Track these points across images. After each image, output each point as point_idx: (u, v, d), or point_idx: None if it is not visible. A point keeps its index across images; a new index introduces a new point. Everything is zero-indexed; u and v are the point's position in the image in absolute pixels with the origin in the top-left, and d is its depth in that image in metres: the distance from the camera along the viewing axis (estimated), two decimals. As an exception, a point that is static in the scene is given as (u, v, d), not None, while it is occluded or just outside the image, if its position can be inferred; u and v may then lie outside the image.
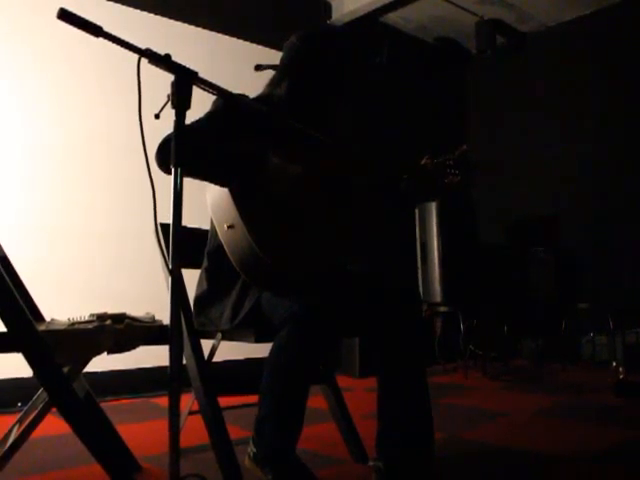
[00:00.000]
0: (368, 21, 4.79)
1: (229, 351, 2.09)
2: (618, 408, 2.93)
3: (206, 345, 1.76)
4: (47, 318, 1.72)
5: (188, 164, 1.26)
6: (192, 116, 1.38)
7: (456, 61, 5.69)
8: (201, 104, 1.51)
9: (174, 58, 1.23)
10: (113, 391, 3.16)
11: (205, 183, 1.61)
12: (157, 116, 1.19)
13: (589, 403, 3.10)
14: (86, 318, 1.54)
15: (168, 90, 1.22)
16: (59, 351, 1.39)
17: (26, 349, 1.31)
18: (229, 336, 1.74)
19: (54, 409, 1.42)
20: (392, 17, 5.02)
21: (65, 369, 1.51)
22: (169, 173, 1.23)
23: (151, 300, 1.96)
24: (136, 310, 1.75)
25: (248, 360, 3.22)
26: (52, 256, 3.15)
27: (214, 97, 1.59)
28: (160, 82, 1.35)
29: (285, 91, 1.75)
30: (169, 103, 1.22)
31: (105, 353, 1.53)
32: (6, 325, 1.31)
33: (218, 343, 1.77)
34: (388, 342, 1.69)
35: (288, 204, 1.60)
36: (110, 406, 2.89)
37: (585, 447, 2.18)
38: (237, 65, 3.38)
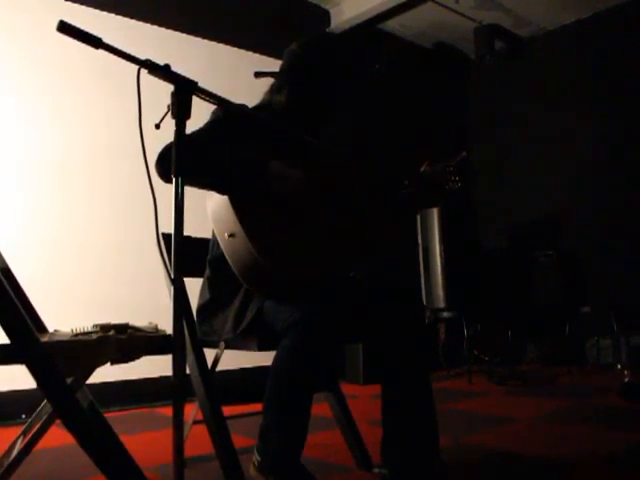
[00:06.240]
0: (367, 28, 4.81)
1: (232, 360, 2.09)
2: (624, 411, 2.92)
3: (209, 354, 1.76)
4: (50, 329, 1.72)
5: (189, 173, 1.26)
6: (192, 126, 1.38)
7: (455, 67, 5.71)
8: (201, 114, 1.51)
9: (174, 68, 1.23)
10: (117, 401, 3.15)
11: (206, 192, 1.62)
12: (157, 126, 1.19)
13: (595, 406, 3.09)
14: (89, 329, 1.54)
15: (168, 100, 1.23)
16: (62, 362, 1.39)
17: (29, 360, 1.31)
18: (232, 345, 1.73)
19: (58, 420, 1.42)
20: (391, 24, 5.04)
21: (68, 380, 1.51)
22: (169, 182, 1.24)
23: (154, 310, 1.96)
24: (139, 320, 1.75)
25: (252, 369, 3.21)
26: (55, 267, 3.15)
27: (214, 106, 1.59)
28: (160, 92, 1.36)
29: (285, 98, 1.76)
30: (169, 113, 1.22)
31: (108, 363, 1.53)
32: (9, 337, 1.30)
33: (221, 352, 1.77)
34: (388, 343, 1.69)
35: (288, 211, 1.60)
36: (114, 416, 2.89)
37: (592, 451, 2.17)
38: (237, 74, 3.40)
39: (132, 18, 3.60)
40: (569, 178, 4.90)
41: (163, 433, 2.62)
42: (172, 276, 1.23)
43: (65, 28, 1.11)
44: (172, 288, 1.22)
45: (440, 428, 1.68)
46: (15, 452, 1.47)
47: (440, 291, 4.15)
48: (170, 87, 1.23)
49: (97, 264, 3.30)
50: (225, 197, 1.55)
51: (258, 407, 1.57)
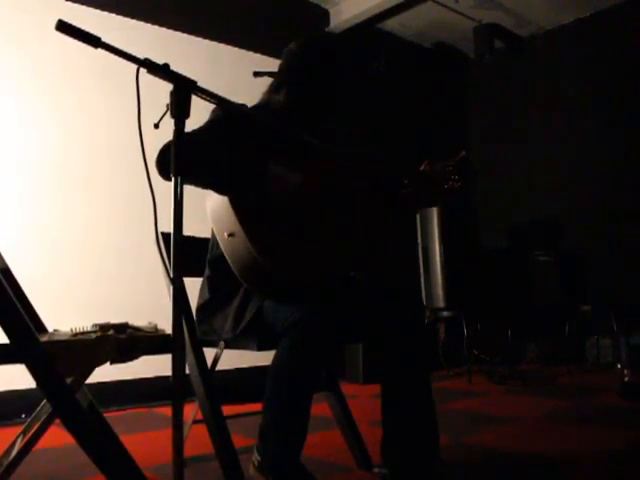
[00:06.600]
0: (366, 28, 4.81)
1: (232, 359, 2.09)
2: (624, 410, 2.92)
3: (209, 354, 1.76)
4: (50, 329, 1.72)
5: (188, 173, 1.26)
6: (191, 125, 1.38)
7: (455, 66, 5.71)
8: (200, 113, 1.51)
9: (174, 68, 1.23)
10: (117, 401, 3.15)
11: (205, 192, 1.62)
12: (157, 125, 1.19)
13: (595, 406, 3.09)
14: (89, 328, 1.54)
15: (168, 99, 1.23)
16: (62, 362, 1.39)
17: (29, 360, 1.31)
18: (232, 344, 1.73)
19: (57, 420, 1.42)
20: (390, 24, 5.04)
21: (68, 380, 1.51)
22: (169, 180, 1.24)
23: (153, 310, 1.96)
24: (138, 320, 1.75)
25: (251, 368, 3.21)
26: (54, 267, 3.15)
27: (213, 106, 1.59)
28: (160, 92, 1.36)
29: (284, 97, 1.76)
30: (168, 112, 1.22)
31: (108, 363, 1.53)
32: (8, 336, 1.30)
33: (221, 352, 1.76)
34: (388, 342, 1.69)
35: (288, 211, 1.60)
36: (114, 416, 2.89)
37: (592, 450, 2.17)
38: (237, 74, 3.40)
39: (132, 18, 3.60)
40: (569, 178, 4.90)
41: (163, 433, 2.61)
42: (171, 276, 1.22)
43: (64, 27, 1.11)
44: (172, 288, 1.22)
45: (440, 428, 1.68)
46: (15, 452, 1.47)
47: (440, 291, 4.15)
48: (169, 86, 1.23)
49: (97, 264, 3.30)
50: (224, 196, 1.55)
51: (258, 407, 1.57)
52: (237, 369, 3.29)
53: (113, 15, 3.51)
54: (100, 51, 1.16)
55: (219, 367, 1.80)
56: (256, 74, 1.80)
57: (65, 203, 3.28)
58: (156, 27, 3.70)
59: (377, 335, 1.72)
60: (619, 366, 3.90)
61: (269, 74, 1.81)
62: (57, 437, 1.91)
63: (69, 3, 3.34)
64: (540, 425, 2.67)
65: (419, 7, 4.76)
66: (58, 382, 1.34)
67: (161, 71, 1.21)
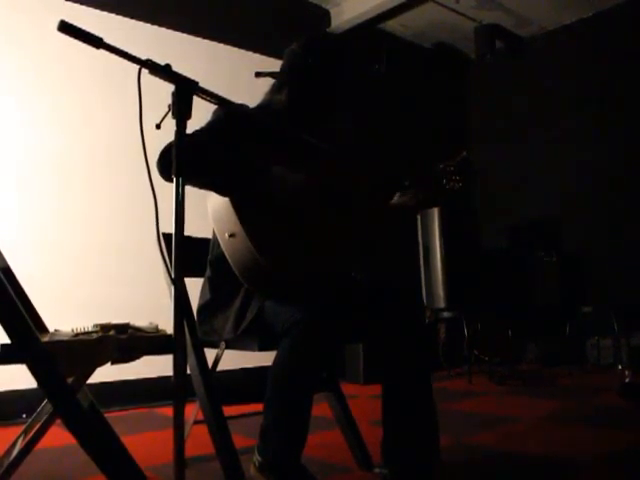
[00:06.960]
0: (367, 29, 4.81)
1: (233, 360, 2.09)
2: (625, 411, 2.92)
3: (210, 354, 1.76)
4: (51, 329, 1.72)
5: (189, 173, 1.26)
6: (192, 126, 1.38)
7: (456, 66, 5.71)
8: (201, 113, 1.51)
9: (174, 68, 1.23)
10: (117, 402, 3.15)
11: (206, 192, 1.62)
12: (158, 126, 1.19)
13: (595, 406, 3.09)
14: (90, 328, 1.54)
15: (169, 100, 1.23)
16: (63, 362, 1.39)
17: (30, 360, 1.31)
18: (233, 345, 1.74)
19: (58, 420, 1.42)
20: (391, 24, 5.04)
21: (69, 380, 1.51)
22: (170, 181, 1.24)
23: (154, 310, 1.96)
24: (139, 320, 1.75)
25: (252, 369, 3.21)
26: (55, 267, 3.15)
27: (214, 106, 1.59)
28: (161, 92, 1.36)
29: (285, 97, 1.76)
30: (170, 113, 1.22)
31: (109, 363, 1.53)
32: (10, 336, 1.30)
33: (222, 352, 1.77)
34: (389, 343, 1.69)
35: (289, 211, 1.60)
36: (115, 417, 2.88)
37: (592, 451, 2.17)
38: (237, 74, 3.40)
39: (132, 18, 3.60)
40: (569, 178, 4.90)
41: (163, 433, 2.61)
42: (173, 276, 1.22)
43: (66, 28, 1.11)
44: (173, 288, 1.22)
45: (440, 428, 1.68)
46: (15, 452, 1.47)
47: (440, 291, 4.15)
48: (170, 87, 1.23)
49: (97, 264, 3.30)
50: (225, 197, 1.55)
51: (259, 407, 1.57)
52: (238, 369, 3.30)
53: (112, 15, 3.51)
54: (100, 51, 1.16)
55: (220, 367, 1.80)
56: (257, 74, 1.80)
57: (65, 203, 3.27)
58: (156, 27, 3.70)
59: (377, 335, 1.72)
60: (620, 367, 3.90)
61: (270, 74, 1.81)
62: (58, 437, 1.91)
63: (69, 3, 3.34)
64: (540, 425, 2.67)
65: (420, 8, 4.76)
66: (59, 382, 1.34)
67: (163, 72, 1.21)
